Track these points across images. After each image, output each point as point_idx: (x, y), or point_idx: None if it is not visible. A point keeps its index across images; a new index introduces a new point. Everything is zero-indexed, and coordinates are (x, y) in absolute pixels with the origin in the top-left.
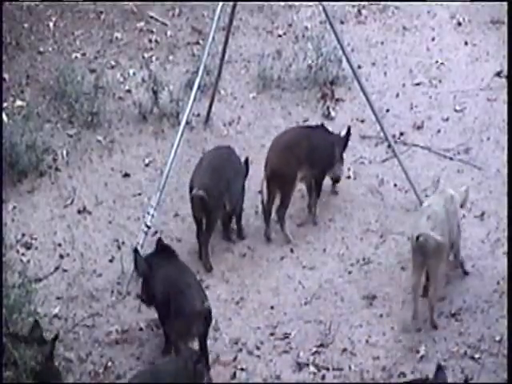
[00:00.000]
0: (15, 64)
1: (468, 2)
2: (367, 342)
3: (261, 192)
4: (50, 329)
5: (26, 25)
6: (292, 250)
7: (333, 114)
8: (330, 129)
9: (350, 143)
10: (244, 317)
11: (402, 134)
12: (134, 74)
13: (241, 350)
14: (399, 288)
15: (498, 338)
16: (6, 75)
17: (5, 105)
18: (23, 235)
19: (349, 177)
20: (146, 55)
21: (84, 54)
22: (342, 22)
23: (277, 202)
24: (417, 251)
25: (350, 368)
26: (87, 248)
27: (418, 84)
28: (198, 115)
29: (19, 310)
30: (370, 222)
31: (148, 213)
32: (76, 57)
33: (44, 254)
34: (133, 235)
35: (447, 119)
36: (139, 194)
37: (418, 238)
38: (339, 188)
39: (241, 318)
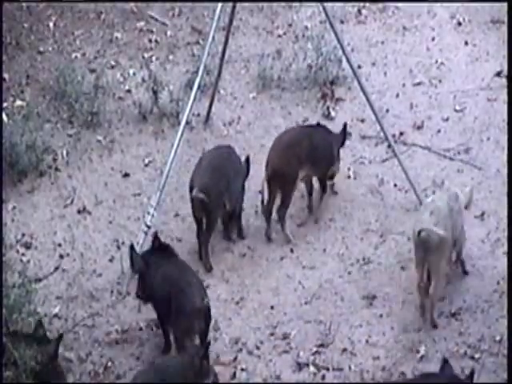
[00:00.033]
0: (15, 64)
1: (468, 2)
2: (367, 342)
3: (261, 192)
4: (50, 329)
5: (25, 25)
6: (292, 250)
7: (333, 113)
8: (330, 128)
9: (349, 143)
10: (244, 317)
11: (401, 133)
12: (134, 73)
13: (241, 349)
14: (399, 288)
15: (498, 338)
16: (6, 75)
17: (5, 105)
18: (23, 235)
19: (349, 177)
20: (145, 55)
21: (84, 54)
22: (341, 22)
23: (277, 201)
24: (419, 247)
25: (349, 368)
26: (87, 248)
27: (417, 84)
28: (198, 115)
29: (19, 309)
30: (370, 221)
31: (148, 213)
32: (76, 57)
33: (44, 254)
34: (133, 235)
35: (447, 119)
36: (139, 194)
37: (420, 232)
38: (339, 188)
39: (241, 317)
